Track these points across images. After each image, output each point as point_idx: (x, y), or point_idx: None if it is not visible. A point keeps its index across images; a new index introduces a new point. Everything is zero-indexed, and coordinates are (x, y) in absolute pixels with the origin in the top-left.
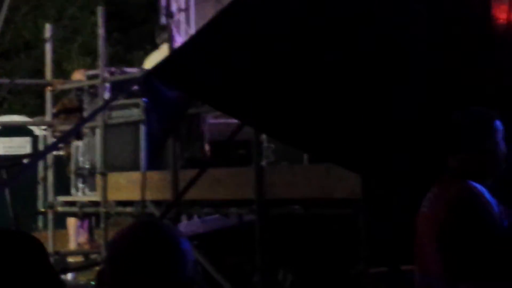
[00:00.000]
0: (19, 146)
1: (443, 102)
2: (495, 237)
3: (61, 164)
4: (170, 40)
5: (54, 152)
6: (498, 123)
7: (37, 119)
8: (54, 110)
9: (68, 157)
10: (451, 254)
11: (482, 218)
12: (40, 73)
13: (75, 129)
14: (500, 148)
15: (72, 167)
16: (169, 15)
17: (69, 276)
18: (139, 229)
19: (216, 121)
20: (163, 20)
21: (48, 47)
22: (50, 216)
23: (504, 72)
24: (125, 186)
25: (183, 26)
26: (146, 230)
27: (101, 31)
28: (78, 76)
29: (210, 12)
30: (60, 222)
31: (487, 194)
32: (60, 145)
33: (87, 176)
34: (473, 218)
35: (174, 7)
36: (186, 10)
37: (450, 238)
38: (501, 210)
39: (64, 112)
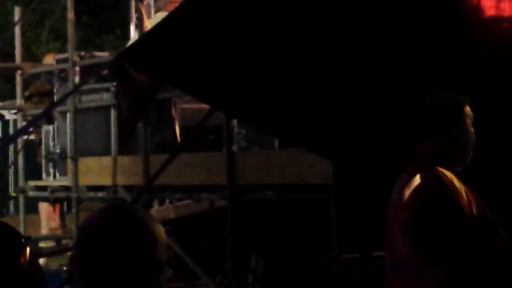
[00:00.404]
0: None
1: (415, 88)
2: (460, 222)
3: (32, 149)
4: (141, 24)
5: (25, 137)
6: (467, 109)
7: (7, 103)
8: (27, 93)
9: (39, 141)
10: (419, 239)
11: (447, 204)
12: (9, 56)
13: (45, 113)
14: (467, 134)
15: (43, 151)
16: None
17: (41, 261)
18: (109, 213)
19: (187, 105)
20: (133, 4)
21: (17, 31)
22: (21, 201)
23: (479, 57)
24: (96, 171)
25: (153, 9)
26: (116, 214)
27: (70, 15)
28: (50, 60)
29: None
30: (32, 207)
31: (455, 180)
32: (31, 129)
33: (58, 161)
34: (439, 204)
35: None
36: None
37: (418, 224)
38: (474, 195)
39: (37, 95)
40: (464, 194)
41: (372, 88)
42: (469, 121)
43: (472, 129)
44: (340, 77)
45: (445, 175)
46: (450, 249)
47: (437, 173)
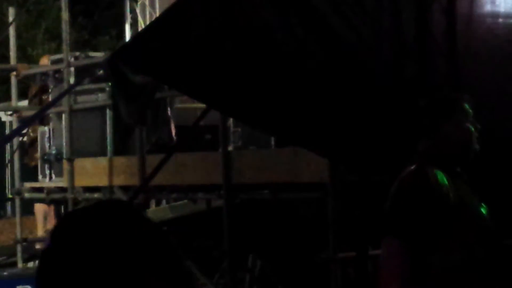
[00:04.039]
0: None
1: (415, 87)
2: (426, 208)
3: (23, 151)
4: (136, 24)
5: (21, 138)
6: (461, 106)
7: (2, 104)
8: (32, 93)
9: (31, 143)
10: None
11: (418, 192)
12: (4, 58)
13: (40, 114)
14: (459, 133)
15: (39, 152)
16: None
17: (37, 262)
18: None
19: (183, 105)
20: (128, 4)
21: (12, 32)
22: (17, 202)
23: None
24: (92, 171)
25: (148, 9)
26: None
27: (65, 15)
28: (46, 61)
29: None
30: (28, 208)
31: (441, 178)
32: (25, 130)
33: (54, 162)
34: (410, 191)
35: None
36: None
37: (388, 205)
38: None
39: (41, 93)
40: (445, 191)
41: (370, 86)
42: (464, 119)
43: (468, 126)
44: (336, 74)
45: (430, 172)
46: (407, 225)
47: (415, 171)
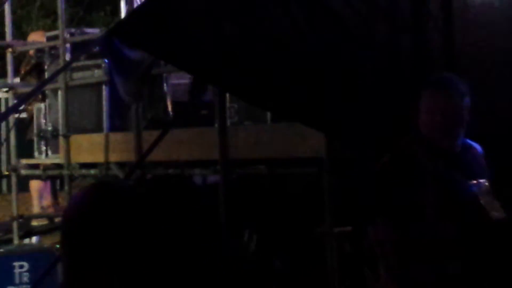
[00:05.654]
0: None
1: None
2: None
3: (23, 127)
4: (131, 0)
5: (17, 115)
6: (427, 93)
7: None
8: (26, 69)
9: (30, 119)
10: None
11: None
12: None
13: (36, 91)
14: (424, 115)
15: (34, 129)
16: None
17: (33, 239)
18: (95, 192)
19: (179, 81)
20: None
21: (7, 9)
22: (13, 179)
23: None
24: (88, 148)
25: None
26: (102, 193)
27: None
28: (35, 37)
29: None
30: (24, 185)
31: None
32: (23, 107)
33: (50, 139)
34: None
35: None
36: None
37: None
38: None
39: (36, 69)
40: (423, 169)
41: (366, 61)
42: (426, 105)
43: (429, 114)
44: (332, 49)
45: (405, 145)
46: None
47: (396, 145)
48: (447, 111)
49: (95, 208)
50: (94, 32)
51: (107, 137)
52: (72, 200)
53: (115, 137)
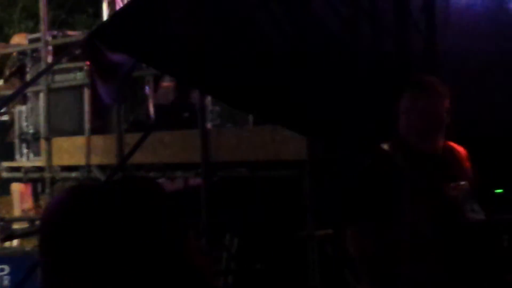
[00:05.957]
0: None
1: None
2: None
3: (4, 129)
4: (113, 3)
5: None
6: (407, 93)
7: None
8: (12, 70)
9: (11, 122)
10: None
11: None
12: None
13: (17, 93)
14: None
15: (16, 132)
16: None
17: (14, 242)
18: (76, 194)
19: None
20: None
21: None
22: None
23: None
24: (70, 150)
25: None
26: (83, 195)
27: None
28: (18, 39)
29: None
30: (5, 188)
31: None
32: (3, 110)
33: (31, 141)
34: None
35: None
36: None
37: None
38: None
39: (19, 72)
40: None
41: (349, 63)
42: (404, 106)
43: (407, 115)
44: (316, 52)
45: (384, 151)
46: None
47: (379, 148)
48: (425, 112)
49: (73, 211)
50: (76, 34)
51: (88, 139)
52: (50, 203)
53: (97, 139)
